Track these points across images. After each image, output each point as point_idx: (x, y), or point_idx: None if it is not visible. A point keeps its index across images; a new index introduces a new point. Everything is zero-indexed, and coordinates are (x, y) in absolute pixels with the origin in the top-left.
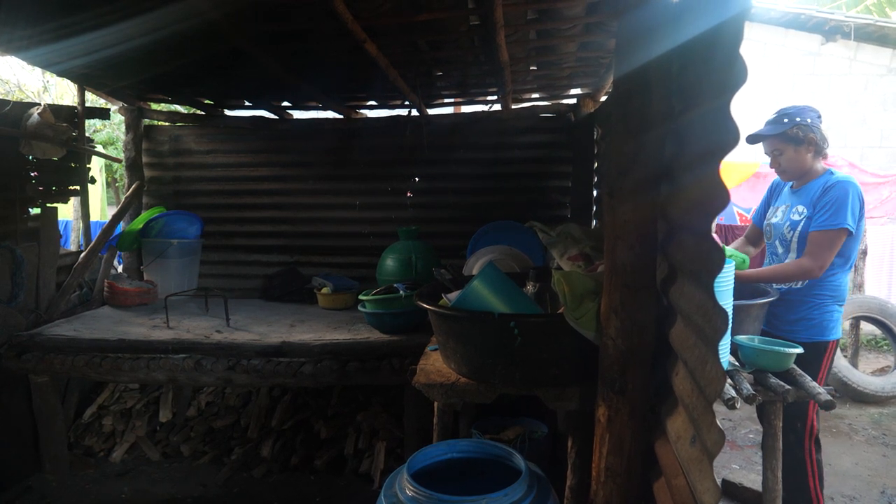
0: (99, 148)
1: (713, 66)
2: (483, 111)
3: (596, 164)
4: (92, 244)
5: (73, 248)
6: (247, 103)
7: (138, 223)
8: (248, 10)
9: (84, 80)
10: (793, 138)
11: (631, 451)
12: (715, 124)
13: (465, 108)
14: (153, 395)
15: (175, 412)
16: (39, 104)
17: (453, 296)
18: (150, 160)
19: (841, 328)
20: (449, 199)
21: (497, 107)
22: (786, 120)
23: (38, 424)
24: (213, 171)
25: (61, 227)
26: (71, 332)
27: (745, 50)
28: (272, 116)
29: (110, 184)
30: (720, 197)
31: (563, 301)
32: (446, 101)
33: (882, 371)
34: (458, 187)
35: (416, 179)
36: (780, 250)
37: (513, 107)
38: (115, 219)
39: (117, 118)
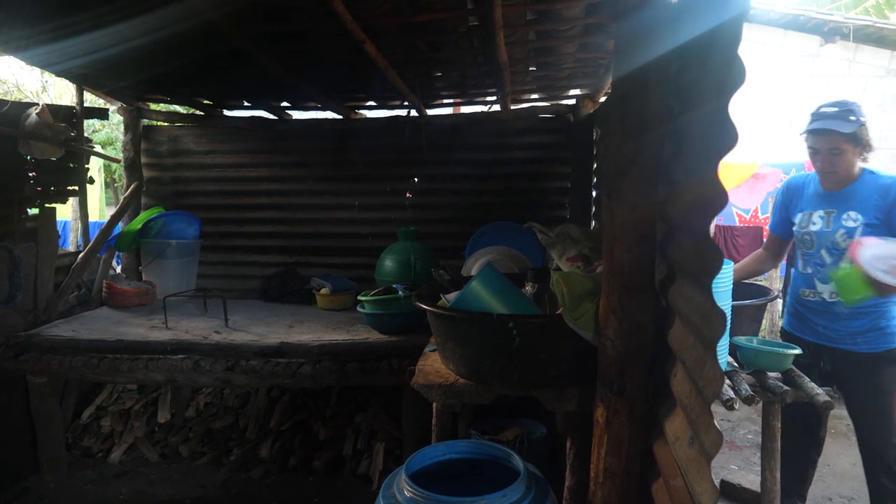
0: (98, 148)
1: (711, 68)
2: (482, 112)
3: (595, 165)
4: (90, 244)
5: (71, 248)
6: (246, 103)
7: (137, 223)
8: (248, 10)
9: (83, 81)
10: (857, 139)
11: (629, 452)
12: (713, 125)
13: (465, 109)
14: (151, 396)
15: (173, 413)
16: (38, 104)
17: (452, 296)
18: (148, 160)
19: None
20: (448, 200)
21: (496, 107)
22: (852, 118)
23: (36, 425)
24: (211, 172)
25: (60, 228)
26: (69, 333)
27: (743, 51)
28: (271, 117)
29: (109, 184)
30: (718, 198)
31: (562, 302)
32: (445, 101)
33: None
34: (457, 188)
35: (416, 180)
36: (829, 260)
37: (512, 107)
38: (114, 219)
39: (116, 118)
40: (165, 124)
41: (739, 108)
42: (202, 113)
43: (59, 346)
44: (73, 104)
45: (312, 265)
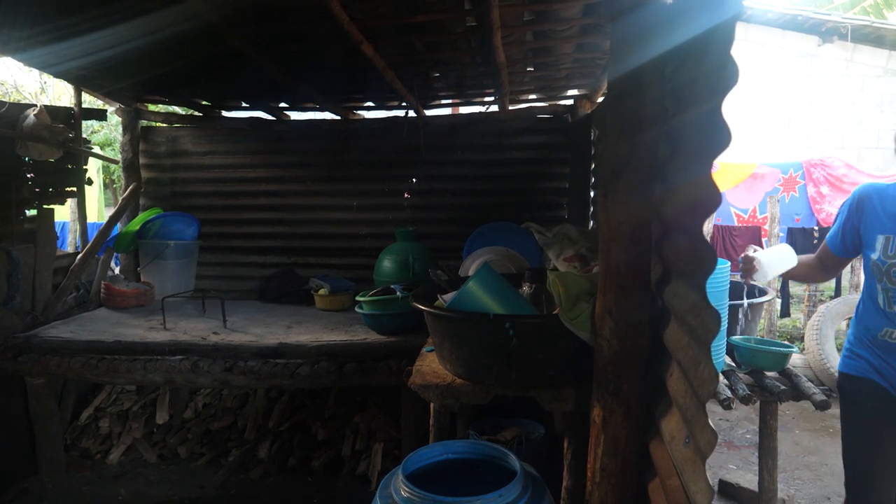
0: (96, 149)
1: (706, 69)
2: (480, 112)
3: (593, 165)
4: (89, 245)
5: (69, 249)
6: (244, 104)
7: (135, 224)
8: (246, 12)
9: (81, 82)
10: None
11: (626, 452)
12: (707, 126)
13: (463, 110)
14: (150, 397)
15: (172, 414)
16: (36, 105)
17: (449, 297)
18: (147, 161)
19: None
20: (446, 200)
21: (494, 108)
22: None
23: (35, 426)
24: (210, 173)
25: (58, 229)
26: (67, 334)
27: (741, 51)
28: (269, 117)
29: (108, 185)
30: (712, 198)
31: (558, 302)
32: (444, 102)
33: None
34: (456, 188)
35: (414, 180)
36: None
37: (510, 108)
38: (112, 220)
39: (115, 119)
40: (164, 125)
41: (738, 108)
42: (200, 114)
43: (57, 348)
44: (72, 105)
45: (311, 266)
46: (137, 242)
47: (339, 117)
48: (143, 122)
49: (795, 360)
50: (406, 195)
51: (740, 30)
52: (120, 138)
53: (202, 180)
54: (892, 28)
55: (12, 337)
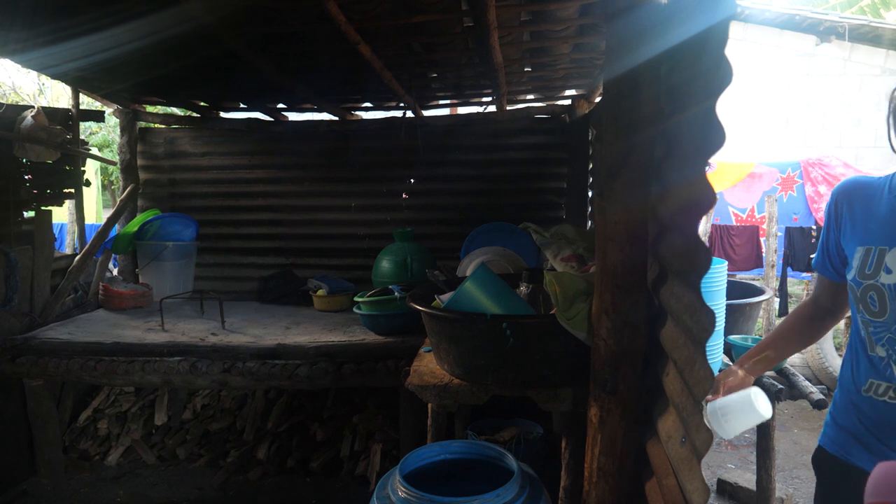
0: (94, 151)
1: (700, 69)
2: (478, 113)
3: (591, 165)
4: (87, 247)
5: (68, 250)
6: (242, 105)
7: (133, 226)
8: (243, 13)
9: (79, 83)
10: None
11: (623, 452)
12: (702, 125)
13: (461, 110)
14: (148, 399)
15: (170, 415)
16: (33, 107)
17: (446, 297)
18: (144, 163)
19: None
20: (444, 201)
21: (492, 108)
22: None
23: (33, 428)
24: (208, 174)
25: (56, 230)
26: (65, 336)
27: (738, 51)
28: (267, 118)
29: (106, 187)
30: (707, 198)
31: (555, 302)
32: (441, 102)
33: None
34: (454, 189)
35: (412, 181)
36: None
37: (507, 108)
38: (110, 221)
39: (112, 121)
40: (161, 126)
41: (735, 107)
42: (198, 115)
43: (55, 349)
44: (70, 107)
45: (309, 266)
46: (135, 244)
47: (336, 118)
48: (141, 124)
49: (793, 359)
50: (404, 196)
51: (738, 29)
52: (118, 140)
53: (200, 181)
54: (889, 27)
55: (10, 338)
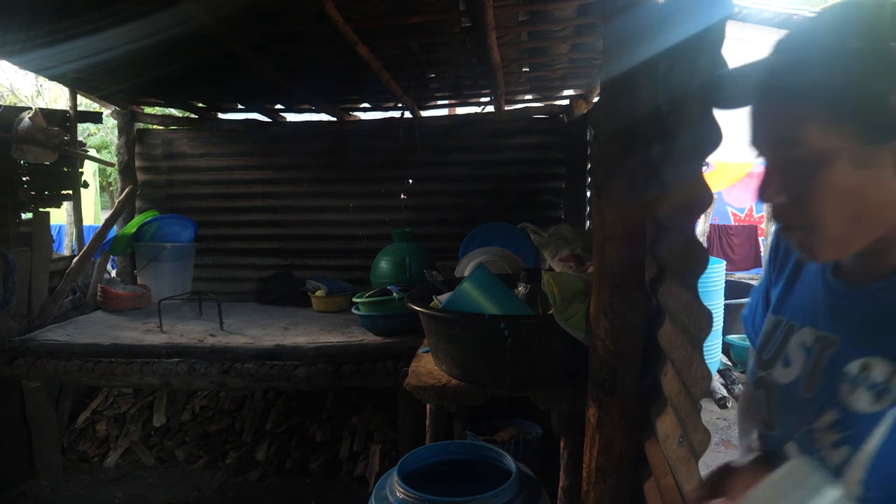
0: (92, 152)
1: (698, 68)
2: (476, 113)
3: (589, 166)
4: (85, 248)
5: (66, 252)
6: (240, 106)
7: (131, 227)
8: (241, 14)
9: (77, 85)
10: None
11: (621, 452)
12: (699, 125)
13: (459, 110)
14: (147, 400)
15: (169, 417)
16: (31, 108)
17: (444, 298)
18: (143, 164)
19: None
20: (442, 201)
21: (490, 108)
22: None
23: (32, 430)
24: (206, 175)
25: (54, 232)
26: (64, 337)
27: (736, 50)
28: (265, 119)
29: (104, 188)
30: (704, 197)
31: (553, 302)
32: (440, 103)
33: None
34: (452, 189)
35: (410, 181)
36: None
37: (506, 108)
38: (109, 223)
39: (110, 122)
40: (160, 128)
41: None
42: (196, 116)
43: (54, 351)
44: (67, 108)
45: (308, 267)
46: (134, 245)
47: (335, 119)
48: (139, 125)
49: None
50: (402, 196)
51: (736, 29)
52: (116, 141)
53: (198, 182)
54: None
55: (8, 340)
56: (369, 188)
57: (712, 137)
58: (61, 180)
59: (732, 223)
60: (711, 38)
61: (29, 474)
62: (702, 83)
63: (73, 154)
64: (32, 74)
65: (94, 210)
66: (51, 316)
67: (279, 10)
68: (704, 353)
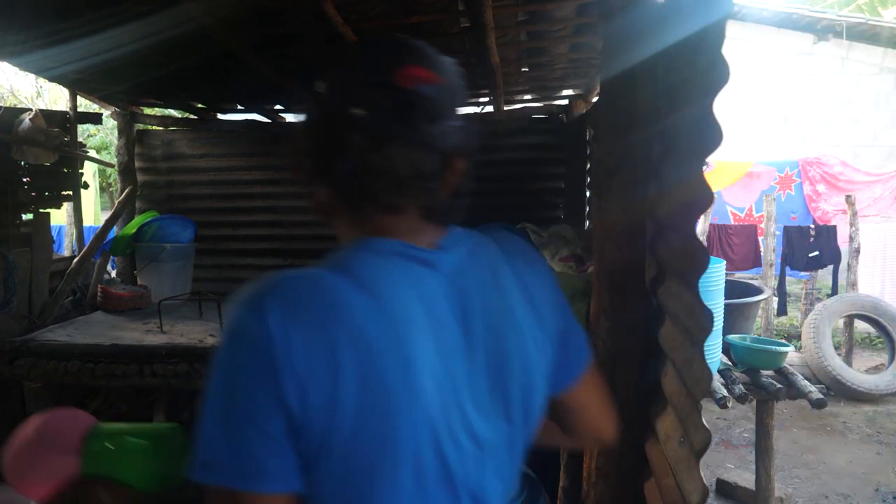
0: (92, 153)
1: (697, 68)
2: (475, 113)
3: (588, 165)
4: (85, 249)
5: (66, 253)
6: (239, 107)
7: (131, 228)
8: (241, 14)
9: (76, 86)
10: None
11: (621, 452)
12: (699, 125)
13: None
14: (147, 400)
15: (169, 417)
16: (31, 109)
17: None
18: (142, 164)
19: None
20: None
21: (489, 109)
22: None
23: None
24: (206, 175)
25: (55, 233)
26: (64, 338)
27: (735, 50)
28: (265, 120)
29: (104, 189)
30: (704, 197)
31: None
32: None
33: (876, 369)
34: None
35: None
36: None
37: (504, 108)
38: (108, 223)
39: (110, 123)
40: (159, 128)
41: (733, 106)
42: (196, 117)
43: (54, 351)
44: (67, 109)
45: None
46: (134, 246)
47: None
48: (139, 126)
49: (792, 358)
50: None
51: (735, 28)
52: (115, 142)
53: (198, 183)
54: (887, 25)
55: (9, 341)
56: None
57: (713, 137)
58: (61, 181)
59: (732, 223)
60: (711, 38)
61: None
62: (702, 82)
63: (73, 155)
64: (32, 76)
65: (94, 211)
66: (51, 316)
67: (279, 11)
68: (705, 354)
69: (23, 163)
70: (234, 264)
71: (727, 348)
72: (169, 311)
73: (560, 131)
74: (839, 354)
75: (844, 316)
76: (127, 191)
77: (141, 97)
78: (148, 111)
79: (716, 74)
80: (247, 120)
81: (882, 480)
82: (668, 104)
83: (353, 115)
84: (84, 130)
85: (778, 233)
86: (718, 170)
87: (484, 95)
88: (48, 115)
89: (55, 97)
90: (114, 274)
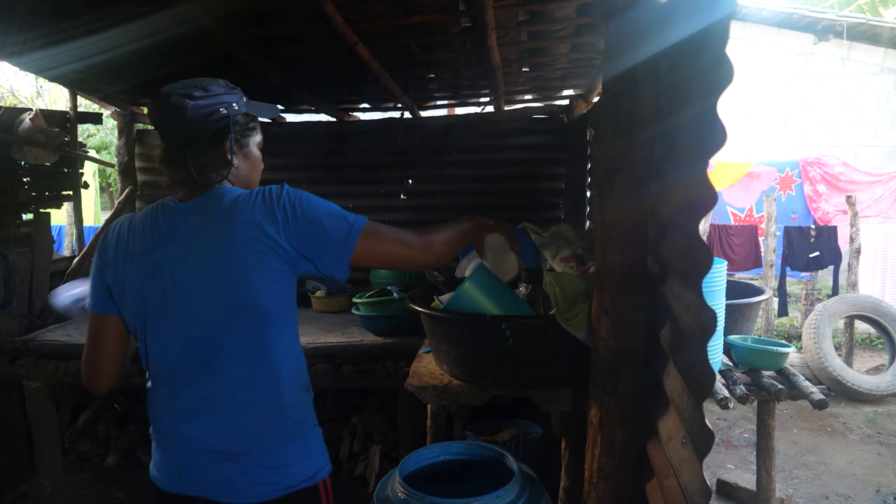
0: (92, 153)
1: (700, 67)
2: (475, 113)
3: (589, 165)
4: (85, 249)
5: (66, 253)
6: None
7: None
8: (241, 14)
9: (76, 85)
10: None
11: (623, 452)
12: (702, 125)
13: (459, 110)
14: None
15: None
16: (31, 109)
17: (446, 298)
18: (142, 164)
19: None
20: (442, 202)
21: (490, 108)
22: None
23: (33, 430)
24: None
25: (55, 233)
26: (64, 338)
27: (735, 50)
28: (265, 120)
29: (104, 189)
30: (708, 197)
31: (555, 303)
32: (439, 103)
33: (876, 370)
34: (451, 189)
35: (410, 182)
36: None
37: (505, 108)
38: (109, 224)
39: (111, 123)
40: None
41: (733, 106)
42: None
43: (54, 351)
44: (67, 109)
45: None
46: None
47: (334, 119)
48: (139, 126)
49: (793, 359)
50: (402, 196)
51: (735, 28)
52: (115, 142)
53: None
54: (887, 25)
55: (9, 341)
56: (369, 188)
57: (716, 137)
58: (61, 181)
59: (732, 223)
60: (714, 36)
61: (30, 474)
62: (705, 82)
63: (74, 155)
64: (32, 75)
65: (94, 211)
66: (51, 316)
67: (279, 11)
68: (708, 354)
69: (23, 163)
70: None
71: (728, 349)
72: None
73: (561, 131)
74: (839, 355)
75: (845, 316)
76: (127, 191)
77: (141, 97)
78: (147, 111)
79: (720, 74)
80: None
81: (882, 481)
82: (671, 104)
83: None
84: (84, 130)
85: (778, 233)
86: (718, 170)
87: (484, 95)
88: (48, 115)
89: (55, 97)
90: None
